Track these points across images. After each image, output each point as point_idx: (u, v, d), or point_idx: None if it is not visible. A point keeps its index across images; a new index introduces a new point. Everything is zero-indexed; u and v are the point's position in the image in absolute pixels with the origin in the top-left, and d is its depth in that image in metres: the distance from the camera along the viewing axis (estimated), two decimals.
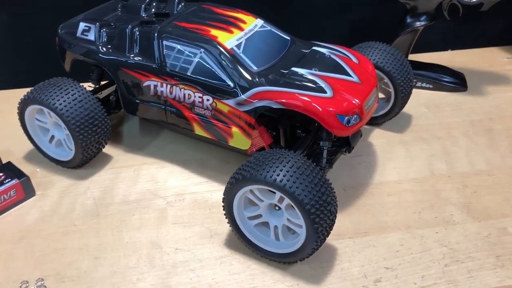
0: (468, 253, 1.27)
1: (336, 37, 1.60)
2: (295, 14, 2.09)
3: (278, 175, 1.10)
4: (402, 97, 1.62)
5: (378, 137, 1.70)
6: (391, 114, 1.69)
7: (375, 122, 1.73)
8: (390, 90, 1.62)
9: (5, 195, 1.40)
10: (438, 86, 1.95)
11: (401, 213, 1.39)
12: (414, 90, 1.89)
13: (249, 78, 1.33)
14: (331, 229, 1.17)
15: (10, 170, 1.47)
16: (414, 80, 1.92)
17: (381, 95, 1.68)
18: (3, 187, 1.40)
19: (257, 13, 1.54)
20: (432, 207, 1.41)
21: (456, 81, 1.96)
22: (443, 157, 1.60)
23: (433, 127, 1.74)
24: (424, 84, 1.95)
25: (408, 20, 1.85)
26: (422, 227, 1.35)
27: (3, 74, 2.04)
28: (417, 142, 1.67)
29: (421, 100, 1.89)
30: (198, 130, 1.46)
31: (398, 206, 1.42)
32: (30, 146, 1.60)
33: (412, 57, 2.02)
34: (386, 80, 1.61)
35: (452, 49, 2.26)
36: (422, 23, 1.83)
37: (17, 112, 1.52)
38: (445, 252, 1.28)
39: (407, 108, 1.78)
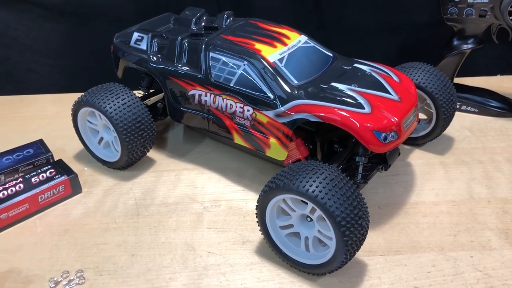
0: (504, 280, 1.24)
1: (383, 58, 1.60)
2: (342, 33, 2.11)
3: (310, 186, 1.12)
4: (444, 119, 1.60)
5: (417, 158, 1.68)
6: (432, 136, 1.67)
7: (415, 142, 1.71)
8: (432, 111, 1.61)
9: (54, 190, 1.49)
10: (483, 110, 1.90)
11: (436, 234, 1.37)
12: (458, 113, 1.86)
13: (289, 91, 1.37)
14: (361, 244, 1.18)
15: (61, 167, 1.56)
16: (459, 104, 1.89)
17: (423, 116, 1.68)
18: (53, 182, 1.49)
19: (304, 32, 1.57)
20: (468, 231, 1.38)
21: (504, 106, 1.91)
22: (484, 182, 1.56)
23: (475, 151, 1.71)
24: (469, 108, 1.92)
25: (455, 42, 1.83)
26: (457, 250, 1.32)
27: (62, 79, 2.18)
28: (458, 165, 1.64)
29: (465, 124, 1.86)
30: (238, 139, 1.50)
31: (433, 227, 1.40)
32: (80, 146, 1.70)
33: (459, 80, 1.99)
34: (428, 101, 1.60)
35: (501, 74, 2.21)
36: (469, 46, 1.80)
37: (71, 114, 1.62)
38: (479, 277, 1.25)
39: (450, 131, 1.75)
